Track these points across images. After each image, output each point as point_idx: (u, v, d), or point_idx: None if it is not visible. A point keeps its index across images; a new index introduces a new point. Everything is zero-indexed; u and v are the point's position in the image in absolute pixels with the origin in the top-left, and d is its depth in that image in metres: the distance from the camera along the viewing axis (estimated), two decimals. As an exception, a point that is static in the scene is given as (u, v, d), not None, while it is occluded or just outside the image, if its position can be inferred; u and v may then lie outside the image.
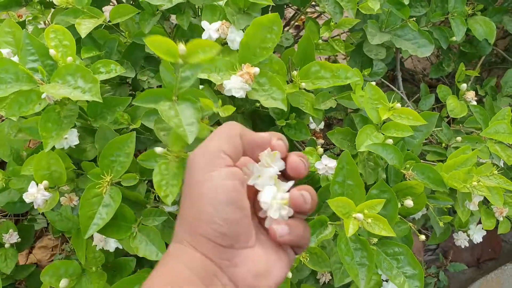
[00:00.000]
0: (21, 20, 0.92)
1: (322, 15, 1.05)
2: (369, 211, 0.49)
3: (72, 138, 0.53)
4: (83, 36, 0.57)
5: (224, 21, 0.57)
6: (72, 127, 0.52)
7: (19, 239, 0.79)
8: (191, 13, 0.65)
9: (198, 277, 0.33)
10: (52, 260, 1.10)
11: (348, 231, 0.47)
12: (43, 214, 0.99)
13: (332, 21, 0.72)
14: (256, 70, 0.52)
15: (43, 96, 0.48)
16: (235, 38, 0.55)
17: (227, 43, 0.57)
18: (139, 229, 0.55)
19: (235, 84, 0.51)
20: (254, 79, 0.53)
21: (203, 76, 0.53)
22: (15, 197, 0.59)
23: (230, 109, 0.51)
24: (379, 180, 0.53)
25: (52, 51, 0.49)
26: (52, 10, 0.80)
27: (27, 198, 0.52)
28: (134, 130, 0.55)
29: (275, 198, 0.34)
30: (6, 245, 0.78)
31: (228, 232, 0.33)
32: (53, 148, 0.53)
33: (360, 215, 0.48)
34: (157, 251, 0.54)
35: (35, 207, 0.52)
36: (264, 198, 0.34)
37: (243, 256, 0.34)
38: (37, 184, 0.53)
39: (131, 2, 0.72)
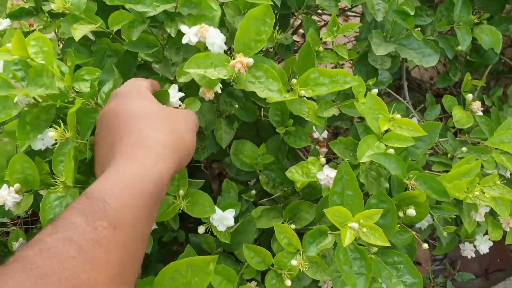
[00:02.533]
0: (32, 28, 0.94)
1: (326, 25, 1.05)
2: (366, 221, 0.49)
3: (47, 139, 0.54)
4: (76, 39, 0.58)
5: (202, 24, 0.58)
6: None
7: (29, 248, 0.80)
8: (180, 21, 0.66)
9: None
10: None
11: (345, 241, 0.47)
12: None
13: (335, 26, 0.72)
14: (250, 60, 0.53)
15: (15, 100, 0.51)
16: (214, 40, 0.56)
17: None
18: None
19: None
20: (251, 72, 0.54)
21: (200, 71, 0.54)
22: (2, 202, 0.61)
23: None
24: (378, 190, 0.53)
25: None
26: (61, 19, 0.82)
27: None
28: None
29: None
30: (16, 253, 0.79)
31: None
32: (33, 153, 0.54)
33: (355, 225, 0.47)
34: None
35: (6, 209, 0.53)
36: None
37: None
38: (9, 187, 0.54)
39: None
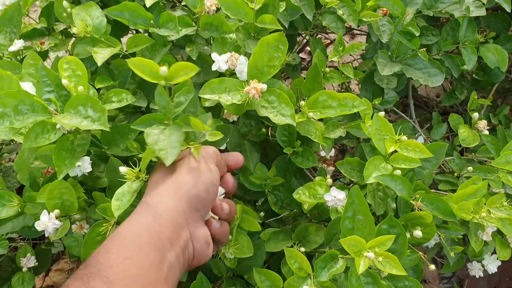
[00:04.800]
0: (43, 47, 0.96)
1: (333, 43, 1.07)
2: (379, 247, 0.49)
3: (84, 165, 0.55)
4: (99, 64, 0.60)
5: (233, 52, 0.59)
6: (84, 155, 0.54)
7: (36, 263, 0.80)
8: (203, 43, 0.67)
9: (171, 223, 0.44)
10: (68, 283, 1.11)
11: (359, 269, 0.47)
12: (59, 238, 1.01)
13: (341, 46, 0.73)
14: (263, 86, 0.54)
15: (57, 126, 0.50)
16: (243, 69, 0.57)
17: (235, 73, 0.60)
18: None
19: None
20: (263, 97, 0.56)
21: (214, 97, 0.55)
22: (30, 222, 0.61)
23: (218, 135, 0.53)
24: (388, 215, 0.54)
25: (64, 81, 0.52)
26: (73, 39, 0.84)
27: (38, 226, 0.54)
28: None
29: None
30: (24, 269, 0.79)
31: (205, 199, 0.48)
32: (67, 176, 0.54)
33: (371, 254, 0.48)
34: None
35: (46, 235, 0.54)
36: None
37: (201, 225, 0.48)
38: (48, 213, 0.54)
39: (147, 32, 0.75)
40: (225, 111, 0.59)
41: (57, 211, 0.54)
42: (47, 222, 0.53)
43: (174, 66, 0.44)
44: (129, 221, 0.44)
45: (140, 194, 0.51)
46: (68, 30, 0.83)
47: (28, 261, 0.80)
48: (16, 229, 0.61)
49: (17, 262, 0.81)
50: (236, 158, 0.57)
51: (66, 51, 0.89)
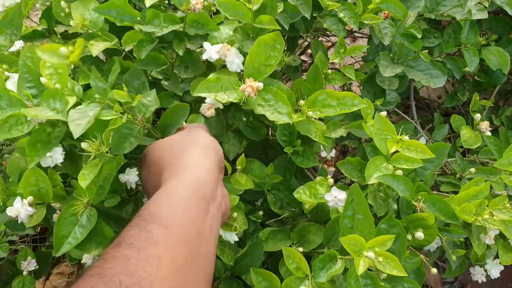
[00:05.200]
0: (44, 49, 0.96)
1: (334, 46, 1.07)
2: (379, 247, 0.48)
3: (56, 156, 0.55)
4: (94, 55, 0.61)
5: (225, 44, 0.59)
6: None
7: (37, 266, 0.80)
8: (192, 41, 0.68)
9: (211, 181, 0.47)
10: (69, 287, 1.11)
11: (359, 269, 0.47)
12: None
13: (342, 48, 0.73)
14: (260, 84, 0.55)
15: (28, 118, 0.51)
16: (233, 60, 0.58)
17: (225, 65, 0.60)
18: None
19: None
20: (260, 95, 0.56)
21: (211, 95, 0.55)
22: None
23: (196, 117, 0.57)
24: (388, 215, 0.53)
25: (43, 79, 0.53)
26: (72, 41, 0.84)
27: (11, 212, 0.53)
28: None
29: None
30: (24, 273, 0.79)
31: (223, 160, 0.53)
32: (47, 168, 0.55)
33: (371, 254, 0.48)
34: None
35: (19, 222, 0.54)
36: None
37: (222, 184, 0.52)
38: (22, 200, 0.54)
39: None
40: (202, 106, 0.60)
41: (30, 197, 0.54)
42: (20, 208, 0.53)
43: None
44: (175, 178, 0.46)
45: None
46: (68, 31, 0.83)
47: (29, 264, 0.79)
48: (3, 222, 0.62)
49: (18, 265, 0.80)
50: None
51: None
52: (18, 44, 0.76)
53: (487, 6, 0.81)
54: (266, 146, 0.74)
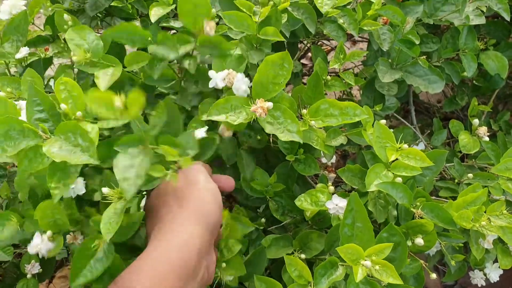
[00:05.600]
0: (47, 53, 0.97)
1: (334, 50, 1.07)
2: (377, 255, 0.49)
3: (78, 186, 0.54)
4: (102, 89, 0.58)
5: (230, 70, 0.60)
6: (78, 176, 0.53)
7: (41, 269, 0.81)
8: (199, 58, 0.68)
9: (196, 253, 0.46)
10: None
11: (357, 277, 0.48)
12: (64, 244, 1.01)
13: (341, 54, 0.74)
14: (270, 104, 0.55)
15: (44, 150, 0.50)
16: (240, 86, 0.57)
17: (231, 89, 0.60)
18: None
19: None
20: (269, 113, 0.56)
21: (222, 118, 0.56)
22: (29, 236, 0.61)
23: (189, 162, 0.50)
24: (389, 224, 0.54)
25: (63, 105, 0.52)
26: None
27: (31, 249, 0.54)
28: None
29: None
30: (28, 276, 0.79)
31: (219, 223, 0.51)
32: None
33: (368, 263, 0.48)
34: None
35: (40, 257, 0.55)
36: None
37: (212, 249, 0.52)
38: (41, 234, 0.55)
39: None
40: (221, 126, 0.60)
41: (49, 232, 0.55)
42: (40, 245, 0.54)
43: (131, 98, 0.40)
44: (161, 241, 0.46)
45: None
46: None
47: (33, 267, 0.80)
48: (16, 242, 0.62)
49: (22, 269, 0.81)
50: (229, 182, 0.58)
51: (70, 59, 0.90)
52: (24, 51, 0.77)
53: (484, 11, 0.82)
54: (268, 153, 0.74)
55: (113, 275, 0.53)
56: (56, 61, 0.90)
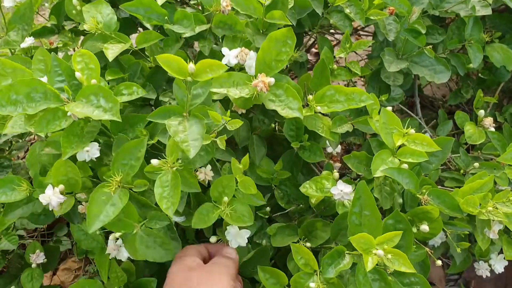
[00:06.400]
0: (52, 46, 0.97)
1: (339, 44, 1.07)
2: (388, 244, 0.49)
3: (93, 150, 0.56)
4: (110, 59, 0.61)
5: (243, 47, 0.60)
6: (93, 141, 0.55)
7: (45, 259, 0.81)
8: (212, 40, 0.68)
9: None
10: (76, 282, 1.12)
11: (367, 266, 0.48)
12: (67, 235, 1.02)
13: (348, 43, 0.74)
14: (271, 80, 0.55)
15: (68, 113, 0.52)
16: (252, 64, 0.58)
17: (244, 69, 0.60)
18: (141, 229, 0.57)
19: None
20: (271, 91, 0.56)
21: (223, 91, 0.56)
22: (39, 209, 0.62)
23: (238, 122, 0.54)
24: (395, 210, 0.54)
25: (77, 74, 0.53)
26: (82, 37, 0.85)
27: (43, 199, 0.54)
28: (153, 147, 0.58)
29: None
30: (33, 265, 0.80)
31: None
32: (76, 161, 0.56)
33: (381, 252, 0.49)
34: (155, 254, 0.56)
35: (50, 209, 0.55)
36: None
37: None
38: (53, 188, 0.55)
39: (157, 30, 0.76)
40: (234, 104, 0.60)
41: (61, 186, 0.55)
42: (52, 196, 0.54)
43: (201, 63, 0.45)
44: None
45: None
46: (77, 28, 0.84)
47: (37, 257, 0.81)
48: (26, 215, 0.62)
49: (26, 259, 0.81)
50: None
51: (74, 50, 0.90)
52: (29, 41, 0.77)
53: (491, 2, 0.82)
54: (273, 142, 0.74)
55: (128, 224, 0.55)
56: (61, 55, 0.90)
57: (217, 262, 0.58)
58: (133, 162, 0.53)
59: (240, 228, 0.61)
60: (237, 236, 0.61)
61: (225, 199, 0.58)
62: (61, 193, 0.55)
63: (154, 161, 0.52)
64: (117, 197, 0.52)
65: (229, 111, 0.55)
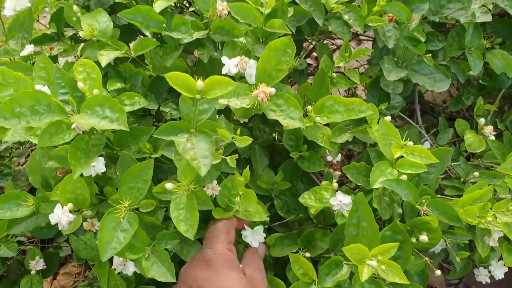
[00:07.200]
0: (53, 52, 0.97)
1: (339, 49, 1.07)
2: (383, 255, 0.49)
3: (99, 165, 0.56)
4: (103, 65, 0.61)
5: (243, 56, 0.60)
6: (99, 156, 0.55)
7: (45, 266, 0.81)
8: (211, 48, 0.68)
9: None
10: (75, 287, 1.13)
11: (362, 276, 0.48)
12: (67, 241, 1.02)
13: (347, 52, 0.74)
14: (272, 90, 0.55)
15: (73, 126, 0.51)
16: (252, 72, 0.58)
17: (244, 78, 0.60)
18: (151, 251, 0.57)
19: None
20: (272, 100, 0.56)
21: (224, 101, 0.56)
22: (42, 222, 0.62)
23: (247, 140, 0.54)
24: (393, 222, 0.54)
25: (80, 84, 0.52)
26: (82, 44, 0.85)
27: (53, 219, 0.54)
28: (155, 160, 0.57)
29: None
30: (32, 272, 0.80)
31: None
32: (81, 175, 0.55)
33: (373, 263, 0.48)
34: (166, 273, 0.56)
35: (59, 228, 0.55)
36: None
37: None
38: (62, 207, 0.55)
39: (158, 37, 0.76)
40: (235, 115, 0.60)
41: (70, 204, 0.55)
42: (61, 215, 0.54)
43: (209, 80, 0.45)
44: None
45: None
46: (77, 35, 0.84)
47: (37, 263, 0.81)
48: (29, 229, 0.62)
49: (26, 265, 0.82)
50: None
51: (75, 56, 0.90)
52: (29, 48, 0.77)
53: (491, 8, 0.82)
54: (273, 151, 0.74)
55: (139, 249, 0.56)
56: (62, 60, 0.90)
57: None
58: (141, 185, 0.53)
59: (252, 227, 0.61)
60: (254, 234, 0.62)
61: (237, 199, 0.58)
62: (70, 211, 0.55)
63: (169, 185, 0.52)
64: (127, 222, 0.52)
65: (238, 129, 0.55)
